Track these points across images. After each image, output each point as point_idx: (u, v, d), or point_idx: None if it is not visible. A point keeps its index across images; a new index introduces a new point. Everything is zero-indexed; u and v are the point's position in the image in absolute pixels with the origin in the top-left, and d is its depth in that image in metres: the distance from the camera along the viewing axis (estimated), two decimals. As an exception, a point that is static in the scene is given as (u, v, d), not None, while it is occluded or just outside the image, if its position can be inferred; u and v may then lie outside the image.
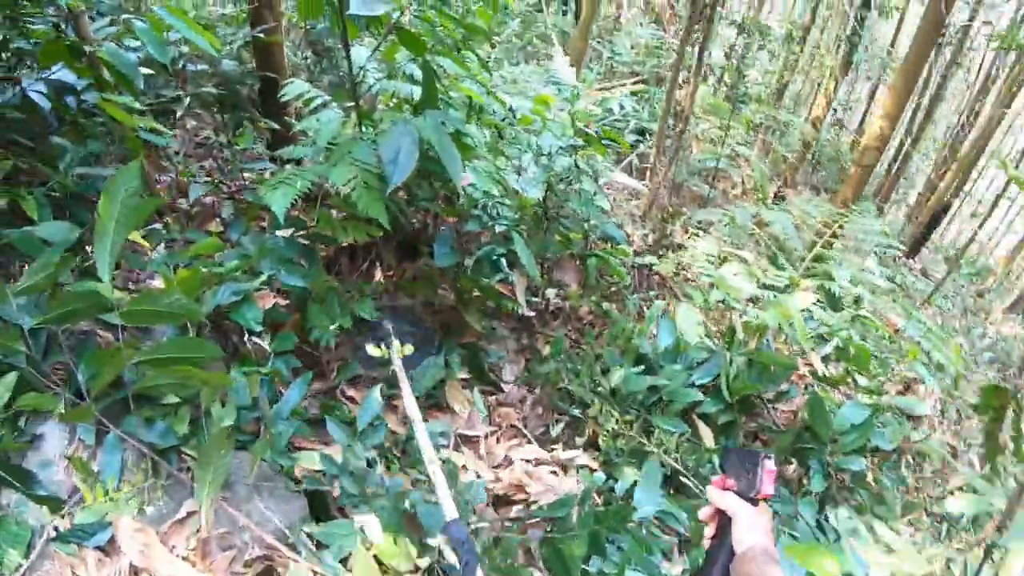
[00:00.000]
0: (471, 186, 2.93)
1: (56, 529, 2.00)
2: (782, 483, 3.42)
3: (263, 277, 2.55)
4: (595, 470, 3.09)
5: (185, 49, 3.48)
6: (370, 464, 2.61)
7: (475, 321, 3.32)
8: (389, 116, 2.96)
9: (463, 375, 3.33)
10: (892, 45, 10.29)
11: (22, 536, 1.91)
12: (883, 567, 2.56)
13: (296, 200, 2.47)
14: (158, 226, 3.05)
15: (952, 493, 4.37)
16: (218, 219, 3.48)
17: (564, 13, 8.09)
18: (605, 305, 3.91)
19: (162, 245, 2.91)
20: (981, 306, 7.88)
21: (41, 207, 2.47)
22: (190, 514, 2.11)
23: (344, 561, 2.17)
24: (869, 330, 3.79)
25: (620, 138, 3.44)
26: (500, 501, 2.85)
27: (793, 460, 3.49)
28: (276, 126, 3.67)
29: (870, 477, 3.71)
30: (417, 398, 3.16)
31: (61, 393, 2.10)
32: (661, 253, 4.64)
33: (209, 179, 3.76)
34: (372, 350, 2.70)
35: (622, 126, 5.52)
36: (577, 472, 3.04)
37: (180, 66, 3.48)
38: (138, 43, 2.84)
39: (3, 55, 3.03)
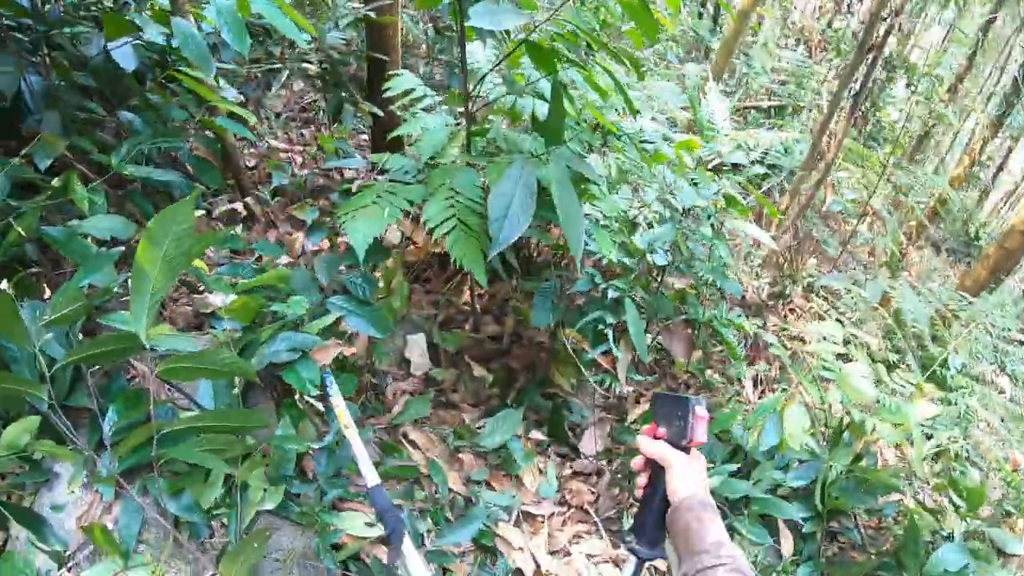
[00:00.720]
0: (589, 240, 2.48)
1: (60, 580, 1.79)
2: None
3: (328, 321, 2.16)
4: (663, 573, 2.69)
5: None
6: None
7: (565, 380, 2.92)
8: (505, 138, 2.53)
9: (540, 435, 2.95)
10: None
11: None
12: None
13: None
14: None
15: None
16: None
17: (700, 15, 7.40)
18: (708, 373, 3.45)
19: (226, 252, 2.57)
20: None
21: (94, 198, 2.13)
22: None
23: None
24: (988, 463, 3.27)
25: (768, 204, 2.94)
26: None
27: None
28: (379, 112, 3.27)
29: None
30: (485, 454, 2.85)
31: (81, 445, 1.78)
32: (773, 308, 4.15)
33: (293, 176, 3.39)
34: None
35: (752, 159, 4.96)
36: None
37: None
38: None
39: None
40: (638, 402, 3.30)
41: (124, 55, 2.38)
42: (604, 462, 3.00)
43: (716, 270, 2.85)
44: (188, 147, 2.70)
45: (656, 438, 1.20)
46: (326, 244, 3.22)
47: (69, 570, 1.80)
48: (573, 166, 2.12)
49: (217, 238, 1.96)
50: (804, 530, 3.08)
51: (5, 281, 1.99)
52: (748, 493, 2.86)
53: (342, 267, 2.40)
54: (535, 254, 3.27)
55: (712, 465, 2.95)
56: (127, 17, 2.27)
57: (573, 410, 3.11)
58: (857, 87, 3.90)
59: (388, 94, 2.68)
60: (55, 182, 2.22)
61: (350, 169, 3.69)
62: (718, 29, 6.99)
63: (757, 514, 2.95)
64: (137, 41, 2.33)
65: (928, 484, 3.90)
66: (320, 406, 2.29)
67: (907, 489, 3.70)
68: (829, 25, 7.35)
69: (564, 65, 2.22)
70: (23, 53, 2.40)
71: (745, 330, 3.15)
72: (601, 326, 2.59)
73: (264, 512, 1.97)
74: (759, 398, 4.02)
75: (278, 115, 4.22)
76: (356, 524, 2.16)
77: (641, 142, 3.25)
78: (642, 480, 1.21)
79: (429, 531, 2.40)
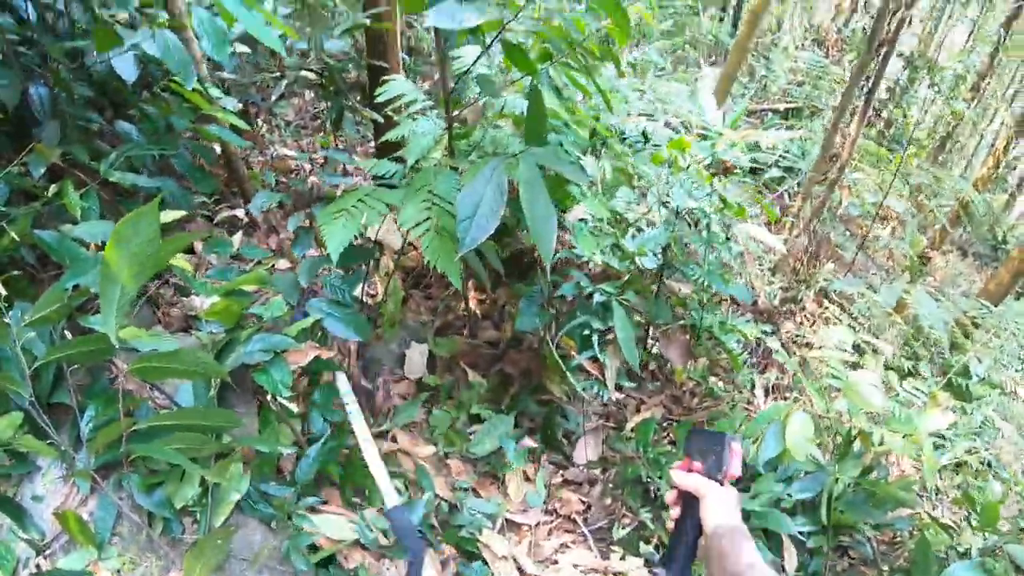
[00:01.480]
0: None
1: (38, 567, 1.86)
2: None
3: (306, 323, 2.17)
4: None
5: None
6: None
7: (555, 386, 2.90)
8: (492, 140, 2.53)
9: (532, 442, 2.93)
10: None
11: (6, 564, 1.80)
12: None
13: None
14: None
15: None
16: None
17: (721, 19, 7.32)
18: (712, 380, 3.38)
19: (215, 257, 2.61)
20: None
21: (87, 204, 2.19)
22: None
23: None
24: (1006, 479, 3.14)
25: (765, 204, 2.87)
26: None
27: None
28: (379, 118, 3.30)
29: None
30: (475, 460, 2.83)
31: (60, 441, 1.83)
32: (786, 313, 4.05)
33: (284, 192, 3.44)
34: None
35: (767, 161, 4.88)
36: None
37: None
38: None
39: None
40: (638, 410, 3.25)
41: (125, 66, 2.44)
42: (598, 471, 2.95)
43: (712, 274, 2.79)
44: (186, 155, 2.75)
45: (690, 471, 1.23)
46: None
47: (46, 558, 1.87)
48: (549, 165, 2.10)
49: (184, 241, 1.97)
50: (809, 545, 2.97)
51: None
52: (747, 507, 2.78)
53: (325, 268, 2.41)
54: (532, 258, 3.26)
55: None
56: (115, 29, 2.31)
57: (569, 417, 3.07)
58: (870, 85, 3.81)
59: (380, 99, 2.70)
60: (52, 189, 2.29)
61: (350, 175, 3.73)
62: (736, 32, 6.91)
63: (758, 528, 2.88)
64: (135, 52, 2.38)
65: (947, 497, 3.77)
66: (295, 407, 2.30)
67: (924, 503, 3.57)
68: (846, 24, 7.20)
69: (544, 64, 2.21)
70: (31, 67, 2.48)
71: (748, 338, 3.07)
72: (588, 331, 2.55)
73: (238, 511, 1.99)
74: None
75: (288, 123, 4.29)
76: (334, 527, 2.16)
77: (643, 144, 3.22)
78: (675, 512, 1.24)
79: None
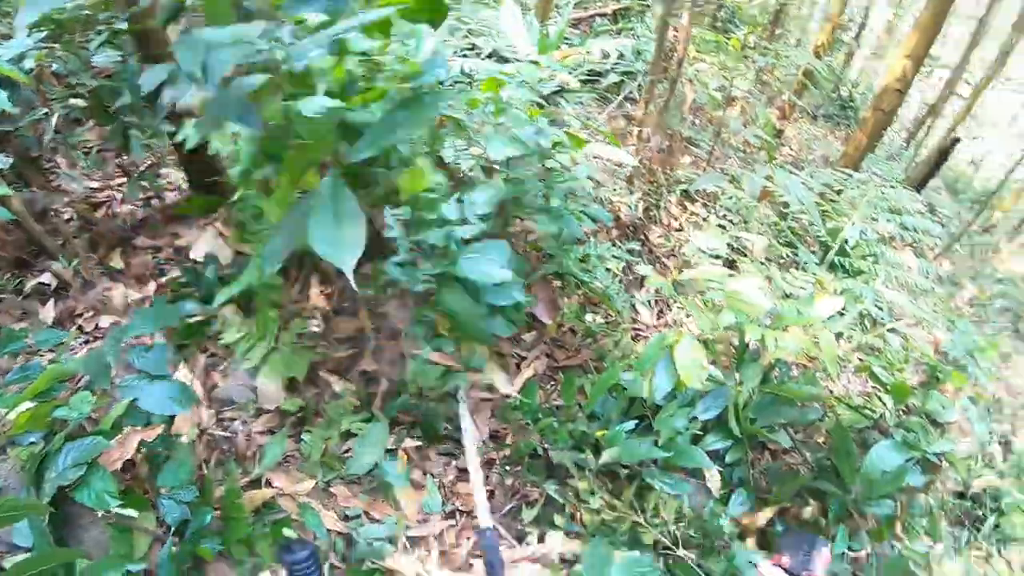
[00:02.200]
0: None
1: None
2: (796, 525, 2.85)
3: (119, 411, 1.76)
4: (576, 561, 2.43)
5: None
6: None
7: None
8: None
9: (414, 440, 2.61)
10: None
11: None
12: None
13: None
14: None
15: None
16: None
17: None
18: (589, 319, 3.15)
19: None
20: (989, 244, 7.27)
21: None
22: None
23: None
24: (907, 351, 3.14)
25: (614, 138, 2.59)
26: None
27: (811, 501, 2.94)
28: (171, 127, 2.85)
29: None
30: (359, 479, 2.50)
31: None
32: (651, 220, 3.87)
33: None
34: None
35: (599, 69, 4.60)
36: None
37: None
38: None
39: None
40: (519, 368, 2.98)
41: None
42: (492, 451, 2.69)
43: (555, 217, 2.49)
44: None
45: (777, 565, 1.44)
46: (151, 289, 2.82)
47: None
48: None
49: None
50: (728, 460, 2.89)
51: None
52: (650, 456, 2.59)
53: (128, 339, 1.97)
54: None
55: (607, 425, 2.68)
56: None
57: (448, 402, 2.76)
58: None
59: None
60: None
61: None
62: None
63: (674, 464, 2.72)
64: None
65: (850, 367, 3.80)
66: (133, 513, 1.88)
67: (833, 387, 3.58)
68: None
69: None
70: None
71: (615, 269, 2.84)
72: (423, 321, 2.22)
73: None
74: (658, 318, 3.79)
75: (87, 152, 3.61)
76: None
77: (468, 85, 2.86)
78: None
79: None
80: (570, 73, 3.25)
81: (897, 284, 3.76)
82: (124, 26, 2.61)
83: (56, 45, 2.82)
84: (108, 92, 2.88)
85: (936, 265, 5.70)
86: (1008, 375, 5.54)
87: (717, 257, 3.38)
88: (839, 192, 4.00)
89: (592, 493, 2.48)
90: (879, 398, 3.45)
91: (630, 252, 3.13)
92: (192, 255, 2.95)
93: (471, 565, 2.35)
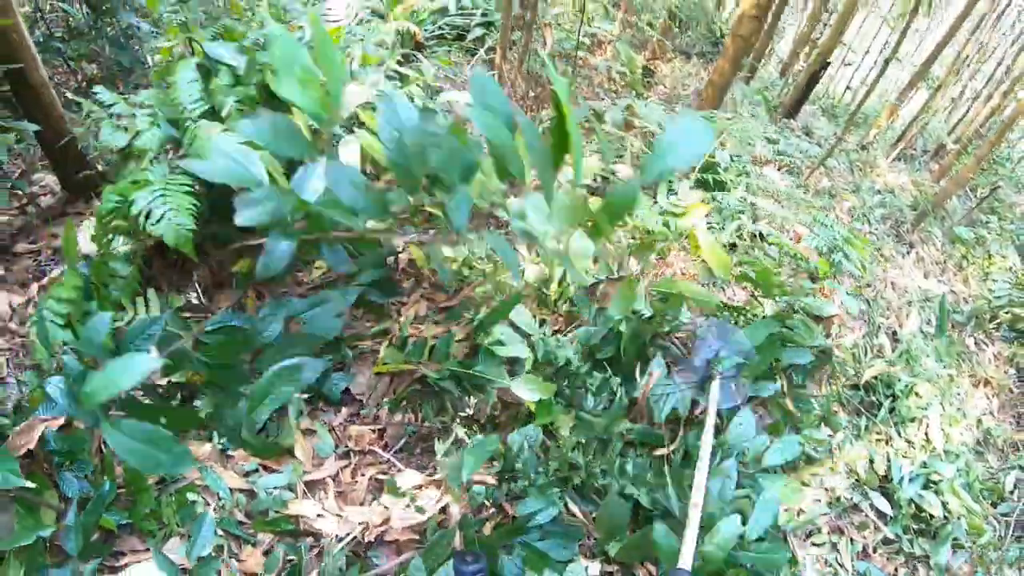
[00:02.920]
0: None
1: None
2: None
3: None
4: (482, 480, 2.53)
5: None
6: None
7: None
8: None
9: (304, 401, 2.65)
10: None
11: None
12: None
13: None
14: None
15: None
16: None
17: None
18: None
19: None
20: (866, 159, 7.67)
21: None
22: None
23: None
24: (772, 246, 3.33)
25: (446, 59, 2.65)
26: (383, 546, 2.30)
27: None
28: (36, 127, 2.85)
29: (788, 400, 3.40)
30: (245, 448, 2.52)
31: None
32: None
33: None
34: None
35: (462, 24, 4.64)
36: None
37: None
38: None
39: None
40: (400, 314, 3.03)
41: None
42: (383, 388, 2.76)
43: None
44: None
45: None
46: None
47: None
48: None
49: None
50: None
51: None
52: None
53: None
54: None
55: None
56: None
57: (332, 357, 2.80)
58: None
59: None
60: None
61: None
62: None
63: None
64: None
65: (734, 292, 3.99)
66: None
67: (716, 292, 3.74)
68: None
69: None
70: None
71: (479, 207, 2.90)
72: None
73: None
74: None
75: None
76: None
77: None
78: None
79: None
80: (425, 27, 3.32)
81: (764, 194, 3.98)
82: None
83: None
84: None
85: (813, 180, 6.02)
86: (895, 275, 5.88)
87: (590, 186, 3.50)
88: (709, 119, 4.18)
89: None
90: (759, 301, 3.65)
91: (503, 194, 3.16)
92: (73, 252, 2.92)
93: (371, 497, 2.43)
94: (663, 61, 6.41)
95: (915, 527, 3.44)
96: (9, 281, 2.95)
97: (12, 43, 2.72)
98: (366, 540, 2.28)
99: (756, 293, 3.64)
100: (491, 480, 2.49)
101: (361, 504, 2.41)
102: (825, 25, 9.62)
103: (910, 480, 3.56)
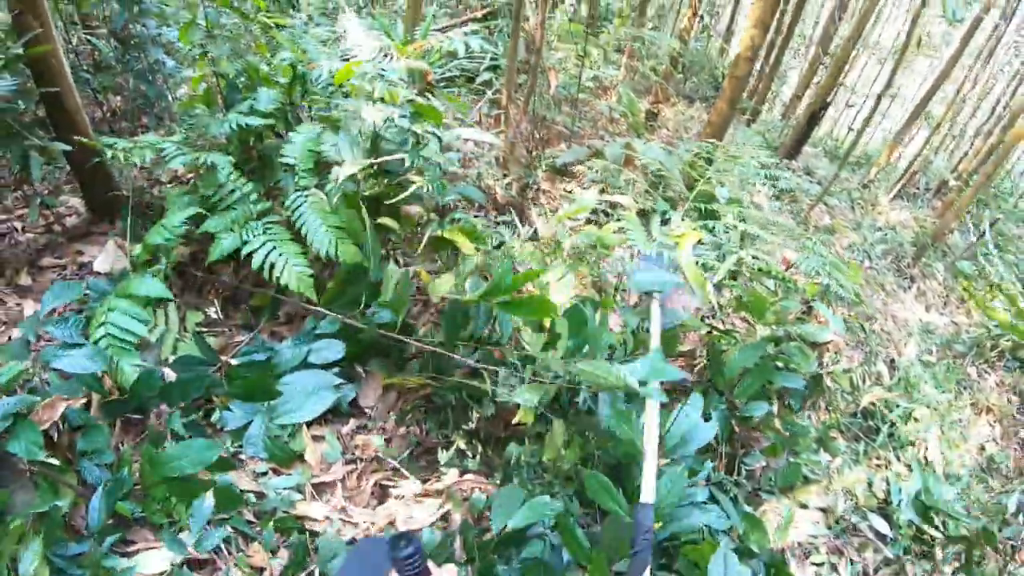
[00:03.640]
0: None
1: None
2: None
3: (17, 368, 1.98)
4: (483, 489, 2.66)
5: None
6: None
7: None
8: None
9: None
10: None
11: None
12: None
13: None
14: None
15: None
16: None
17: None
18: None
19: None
20: (868, 197, 7.83)
21: None
22: None
23: None
24: (763, 272, 3.46)
25: (456, 98, 2.87)
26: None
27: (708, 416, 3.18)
28: (68, 147, 3.03)
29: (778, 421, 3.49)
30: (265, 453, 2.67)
31: None
32: (529, 199, 4.16)
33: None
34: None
35: (472, 68, 4.92)
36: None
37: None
38: None
39: None
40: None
41: None
42: (393, 398, 2.92)
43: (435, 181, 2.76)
44: None
45: None
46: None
47: None
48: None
49: None
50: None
51: None
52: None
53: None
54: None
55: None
56: None
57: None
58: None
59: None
60: None
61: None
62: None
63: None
64: None
65: (730, 310, 4.11)
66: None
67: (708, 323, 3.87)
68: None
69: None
70: None
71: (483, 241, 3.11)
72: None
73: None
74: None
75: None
76: (153, 561, 2.11)
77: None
78: None
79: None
80: (435, 69, 3.56)
81: (756, 223, 4.12)
82: (19, 51, 2.76)
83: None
84: (11, 115, 3.02)
85: (814, 217, 6.18)
86: (896, 308, 5.98)
87: (590, 218, 3.68)
88: (710, 161, 4.38)
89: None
90: (752, 324, 3.76)
91: (504, 224, 3.37)
92: (96, 268, 3.13)
93: (382, 502, 2.57)
94: (667, 105, 6.67)
95: (916, 548, 3.48)
96: (35, 291, 3.15)
97: (52, 69, 2.91)
98: (369, 541, 2.40)
99: (751, 320, 3.76)
100: (491, 489, 2.62)
101: (365, 507, 2.54)
102: (826, 68, 9.91)
103: (909, 502, 3.61)
